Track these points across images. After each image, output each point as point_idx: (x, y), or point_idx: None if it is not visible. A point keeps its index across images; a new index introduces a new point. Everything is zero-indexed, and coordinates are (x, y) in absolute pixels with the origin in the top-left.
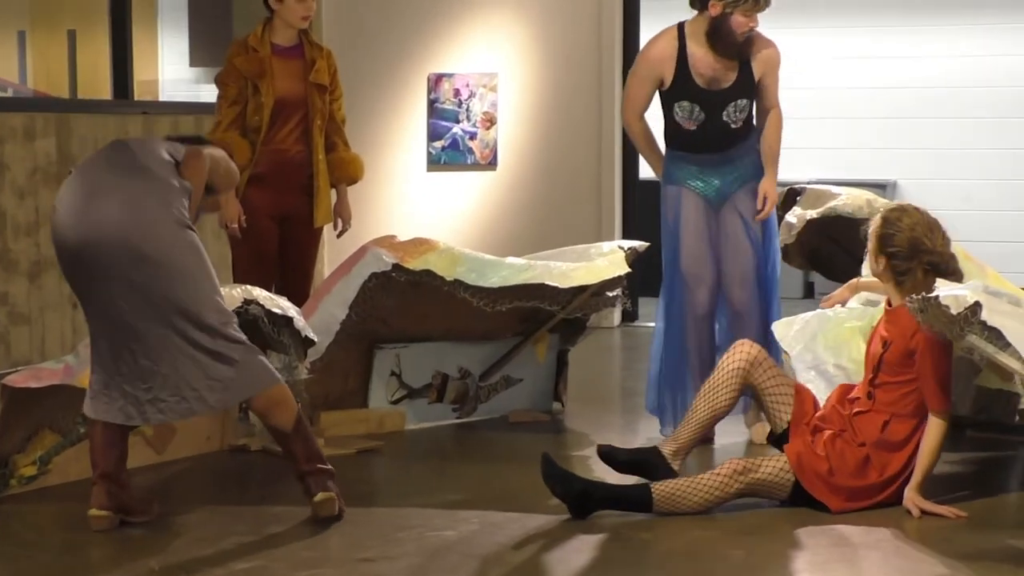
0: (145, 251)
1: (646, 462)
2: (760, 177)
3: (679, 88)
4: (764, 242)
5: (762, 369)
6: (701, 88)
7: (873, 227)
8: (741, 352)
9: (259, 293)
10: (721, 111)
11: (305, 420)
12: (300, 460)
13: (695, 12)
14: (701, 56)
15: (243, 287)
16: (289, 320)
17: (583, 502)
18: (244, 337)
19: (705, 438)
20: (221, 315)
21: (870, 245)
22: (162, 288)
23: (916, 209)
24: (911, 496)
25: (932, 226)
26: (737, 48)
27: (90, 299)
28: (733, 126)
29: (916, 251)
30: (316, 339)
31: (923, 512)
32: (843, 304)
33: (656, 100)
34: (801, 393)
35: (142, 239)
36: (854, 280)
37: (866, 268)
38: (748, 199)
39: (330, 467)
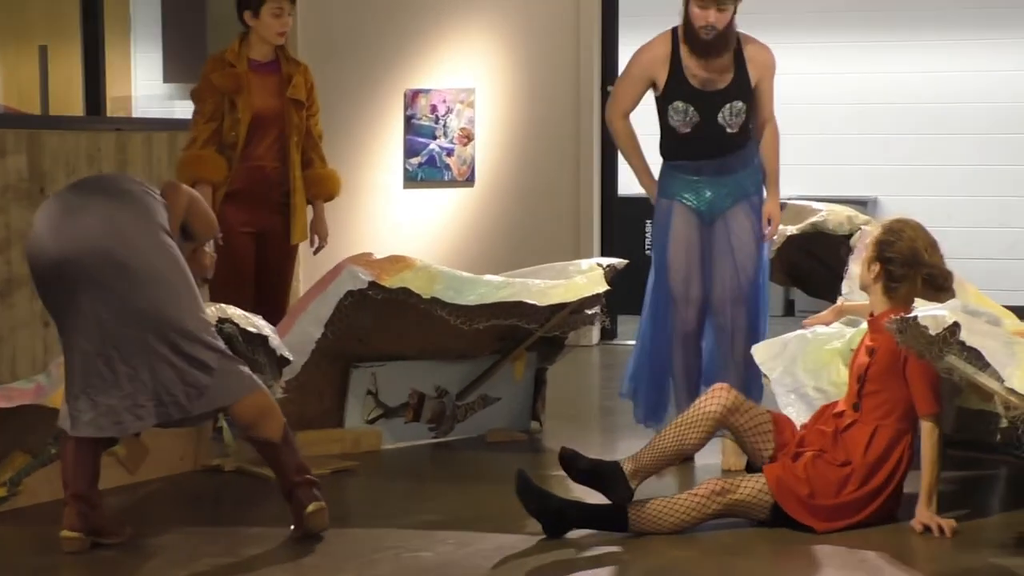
0: (126, 259)
1: (605, 475)
2: (754, 194)
3: (673, 89)
4: (755, 261)
5: (739, 413)
6: (695, 88)
7: (872, 235)
8: (719, 398)
9: (233, 311)
10: (716, 113)
11: (291, 431)
12: (290, 472)
13: None
14: (693, 58)
15: (217, 306)
16: (264, 339)
17: (558, 520)
18: (223, 345)
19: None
20: (201, 322)
21: (866, 253)
22: (143, 294)
23: (919, 224)
24: (922, 515)
25: (932, 242)
26: (703, 44)
27: (68, 313)
28: (729, 130)
29: (915, 262)
30: (292, 358)
31: (925, 527)
32: (827, 326)
33: (653, 111)
34: (779, 423)
35: (123, 247)
36: (839, 303)
37: (847, 286)
38: (741, 217)
39: (316, 478)
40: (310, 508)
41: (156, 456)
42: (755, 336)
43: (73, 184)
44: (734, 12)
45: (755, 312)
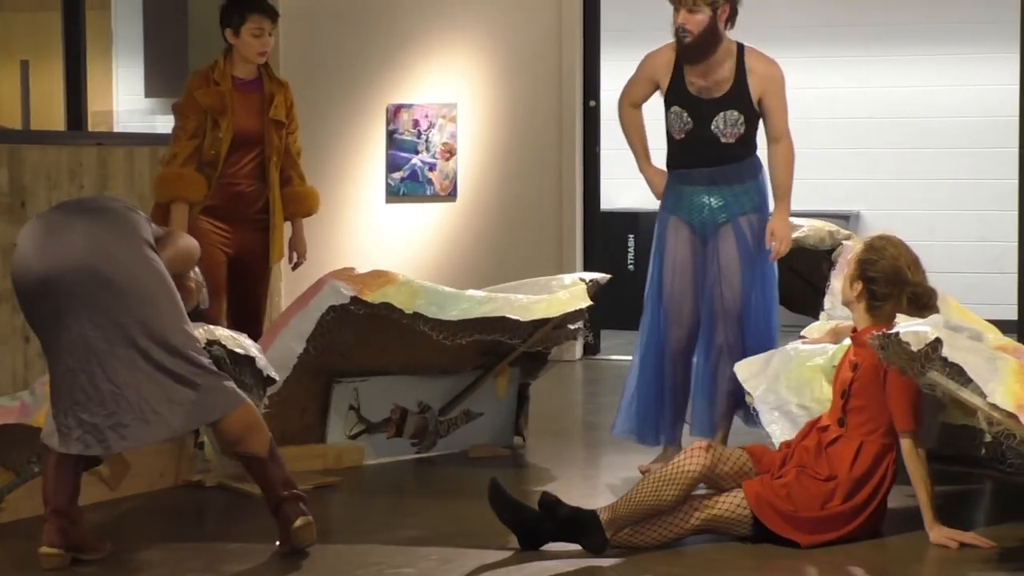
0: (110, 274)
1: (582, 523)
2: (752, 212)
3: (673, 92)
4: (757, 278)
5: (719, 466)
6: (692, 94)
7: (855, 252)
8: (698, 458)
9: (221, 333)
10: (710, 121)
11: (276, 445)
12: (277, 486)
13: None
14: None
15: (206, 327)
16: (251, 360)
17: (533, 532)
18: (208, 361)
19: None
20: (186, 338)
21: (848, 270)
22: (128, 309)
23: (901, 241)
24: (936, 533)
25: (914, 259)
26: (682, 48)
27: (53, 330)
28: (723, 140)
29: (898, 280)
30: (277, 378)
31: (961, 543)
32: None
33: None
34: (756, 455)
35: (107, 263)
36: (833, 325)
37: (828, 301)
38: (731, 234)
39: (302, 492)
40: (297, 523)
41: (137, 472)
42: (744, 355)
43: (57, 205)
44: (713, 17)
45: (747, 331)
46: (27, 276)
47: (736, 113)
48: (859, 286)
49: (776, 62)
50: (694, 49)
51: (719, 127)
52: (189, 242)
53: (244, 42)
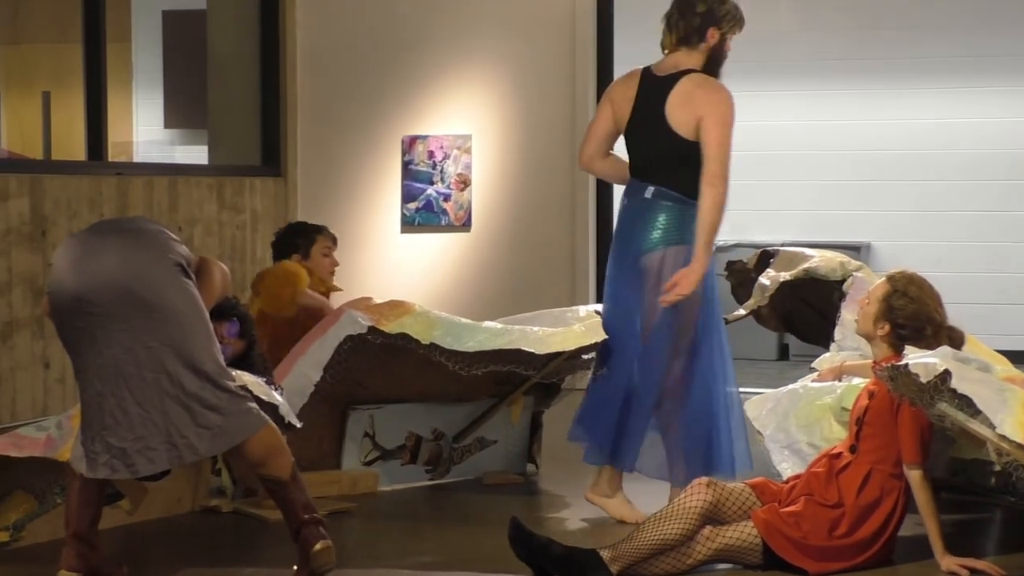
0: (143, 296)
1: (582, 562)
2: (681, 243)
3: None
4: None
5: (724, 503)
6: None
7: (880, 292)
8: (700, 494)
9: (249, 379)
10: None
11: (298, 469)
12: (298, 510)
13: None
14: None
15: (236, 372)
16: (275, 408)
17: (541, 562)
18: (235, 386)
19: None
20: (216, 365)
21: (872, 308)
22: (159, 331)
23: (922, 279)
24: (947, 562)
25: (938, 298)
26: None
27: (85, 352)
28: None
29: (927, 323)
30: (299, 424)
31: (971, 570)
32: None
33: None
34: (759, 489)
35: (140, 284)
36: (839, 363)
37: (839, 332)
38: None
39: (322, 516)
40: (317, 547)
41: (154, 497)
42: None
43: (93, 225)
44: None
45: (692, 360)
46: (62, 293)
47: None
48: (886, 327)
49: None
50: None
51: None
52: (223, 269)
53: (316, 262)
